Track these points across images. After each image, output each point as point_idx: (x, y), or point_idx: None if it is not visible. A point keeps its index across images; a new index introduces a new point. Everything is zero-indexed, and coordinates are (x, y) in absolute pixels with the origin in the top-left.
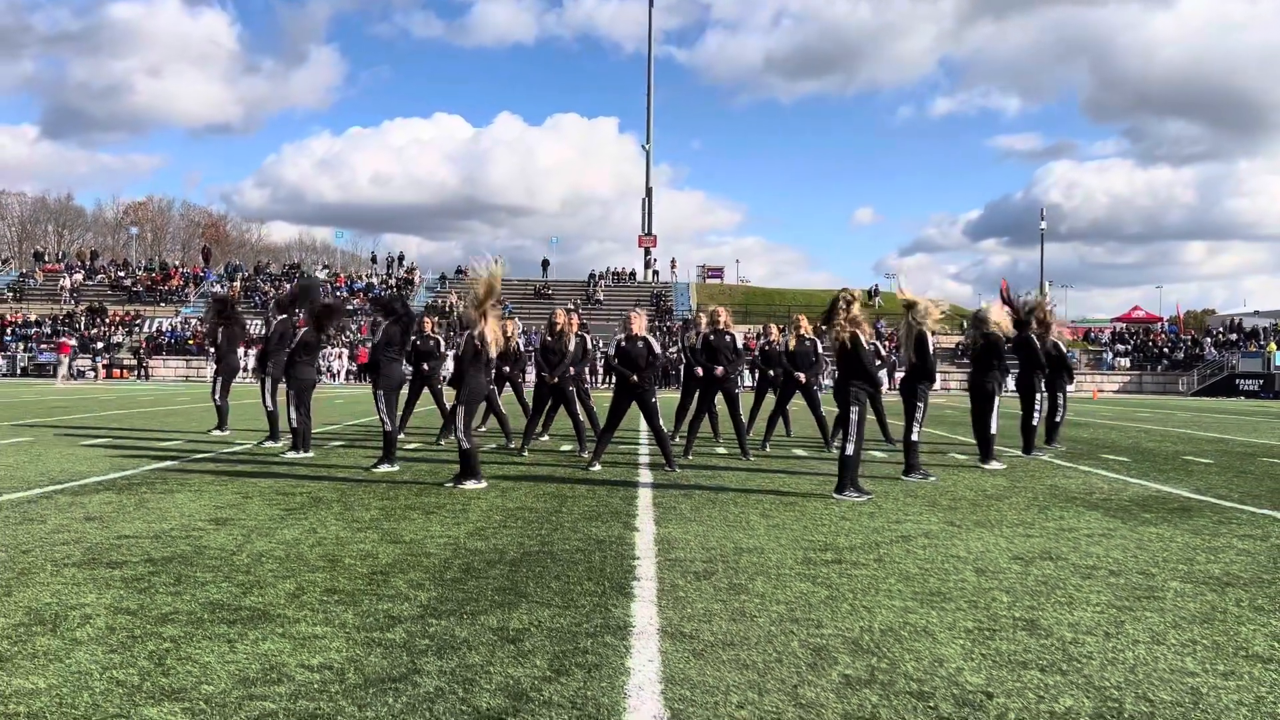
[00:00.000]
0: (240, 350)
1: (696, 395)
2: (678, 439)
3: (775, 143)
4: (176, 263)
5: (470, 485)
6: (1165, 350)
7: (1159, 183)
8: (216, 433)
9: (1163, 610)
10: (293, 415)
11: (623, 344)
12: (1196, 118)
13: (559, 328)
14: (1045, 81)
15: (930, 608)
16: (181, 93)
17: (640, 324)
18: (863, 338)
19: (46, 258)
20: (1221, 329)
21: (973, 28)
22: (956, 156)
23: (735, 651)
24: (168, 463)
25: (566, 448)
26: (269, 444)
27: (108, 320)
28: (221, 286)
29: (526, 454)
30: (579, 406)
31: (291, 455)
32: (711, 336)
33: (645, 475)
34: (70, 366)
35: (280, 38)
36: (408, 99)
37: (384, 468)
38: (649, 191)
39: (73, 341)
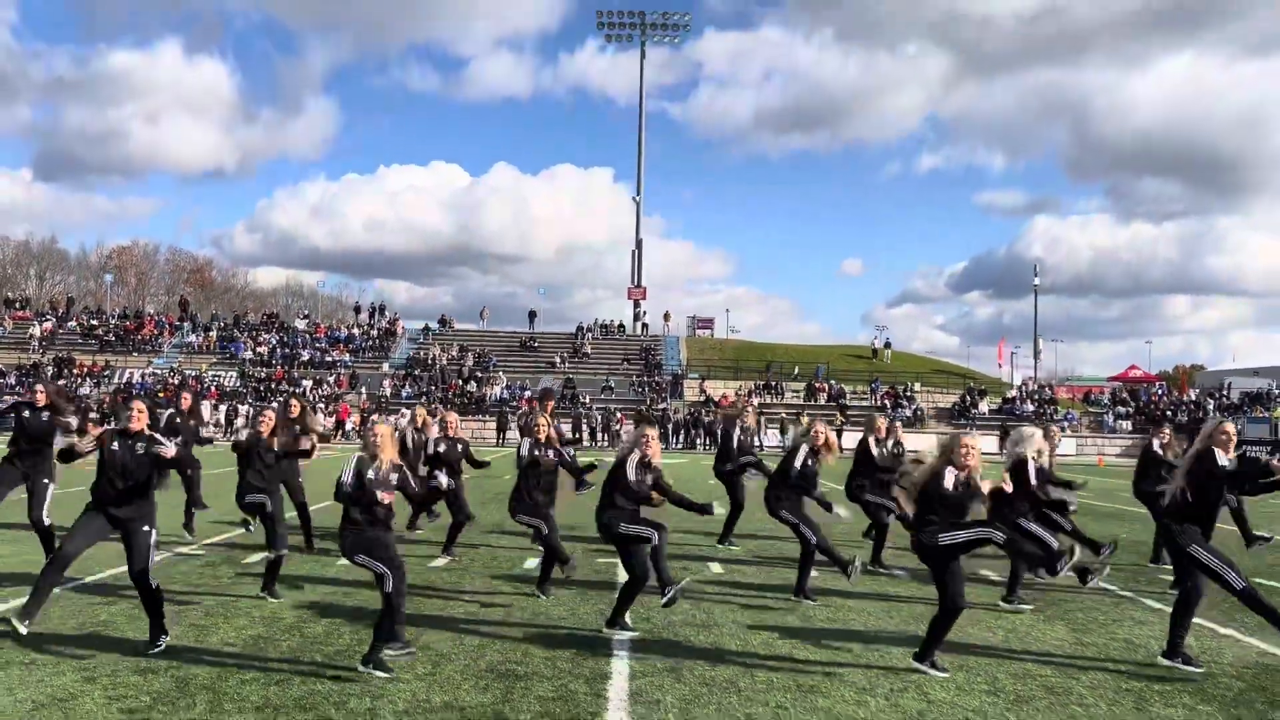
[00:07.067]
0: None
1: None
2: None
3: (765, 195)
4: (151, 310)
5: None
6: (1168, 414)
7: (1141, 238)
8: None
9: None
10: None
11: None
12: (1174, 177)
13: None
14: (1028, 140)
15: None
16: (178, 139)
17: (657, 448)
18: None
19: (18, 304)
20: (1224, 392)
21: (958, 88)
22: (942, 211)
23: None
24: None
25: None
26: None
27: (75, 371)
28: (197, 337)
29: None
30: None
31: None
32: (872, 444)
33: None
34: None
35: (278, 88)
36: (405, 148)
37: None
38: (639, 243)
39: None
